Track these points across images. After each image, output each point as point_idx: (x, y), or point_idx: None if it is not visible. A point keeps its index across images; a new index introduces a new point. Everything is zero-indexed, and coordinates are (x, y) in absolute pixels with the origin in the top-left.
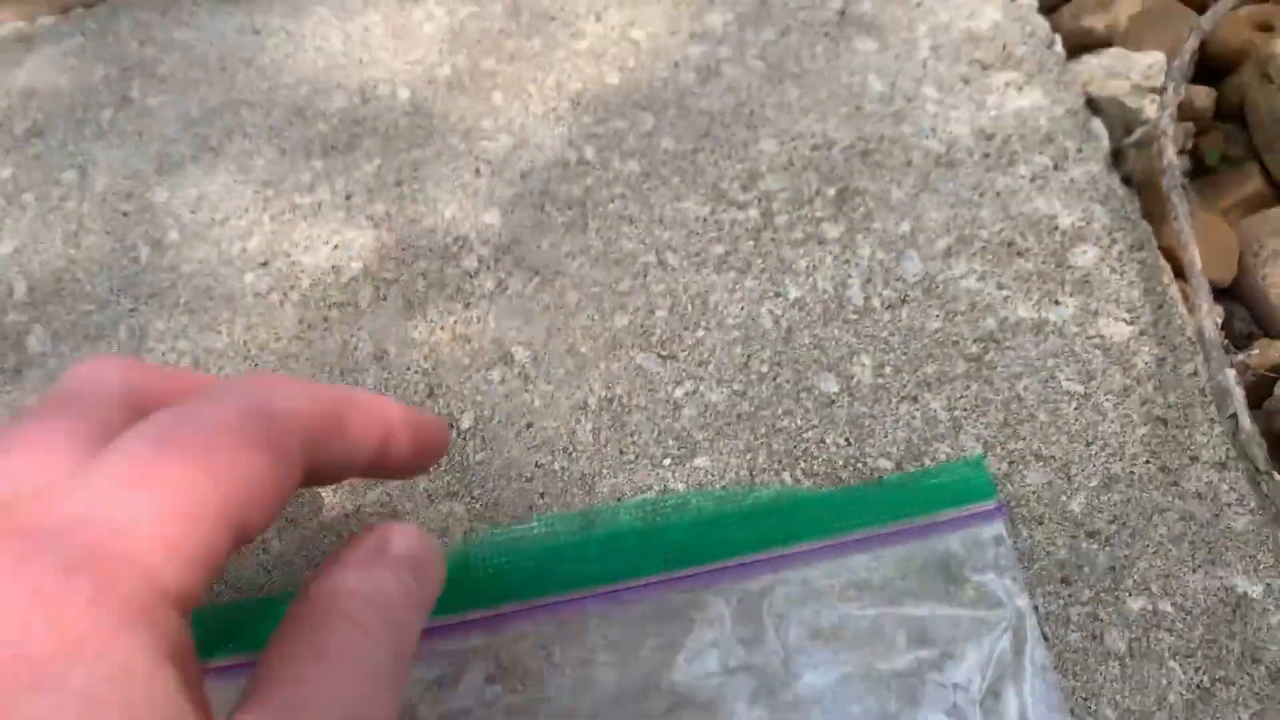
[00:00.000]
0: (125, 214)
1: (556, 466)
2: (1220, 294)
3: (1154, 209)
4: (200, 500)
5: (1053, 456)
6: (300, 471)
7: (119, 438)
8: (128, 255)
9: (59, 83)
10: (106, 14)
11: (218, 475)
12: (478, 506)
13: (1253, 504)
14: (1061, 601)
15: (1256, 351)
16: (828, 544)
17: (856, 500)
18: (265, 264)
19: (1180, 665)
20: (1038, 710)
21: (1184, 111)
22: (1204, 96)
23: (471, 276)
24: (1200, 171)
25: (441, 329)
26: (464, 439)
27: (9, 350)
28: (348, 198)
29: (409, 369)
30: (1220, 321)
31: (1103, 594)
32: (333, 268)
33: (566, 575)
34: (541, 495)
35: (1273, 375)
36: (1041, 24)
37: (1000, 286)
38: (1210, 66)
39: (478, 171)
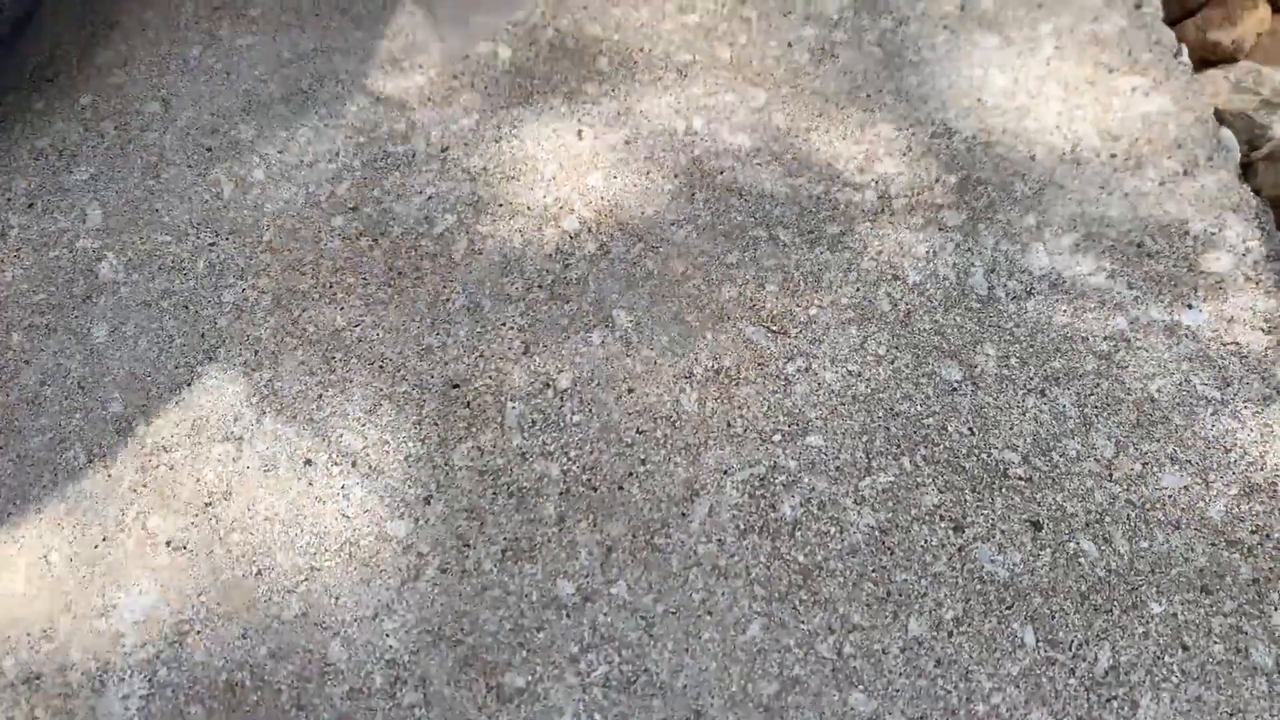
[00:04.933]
0: (209, 149)
1: (659, 434)
2: None
3: None
4: None
5: (1189, 461)
6: None
7: None
8: (210, 190)
9: (145, 16)
10: None
11: None
12: (575, 469)
13: None
14: (1202, 611)
15: None
16: None
17: None
18: (355, 209)
19: None
20: None
21: None
22: None
23: (572, 237)
24: None
25: (539, 287)
26: (561, 399)
27: (79, 276)
28: (444, 150)
29: (504, 324)
30: None
31: (1246, 606)
32: (425, 218)
33: None
34: (643, 461)
35: None
36: (1168, 34)
37: (1130, 286)
38: None
39: (580, 134)
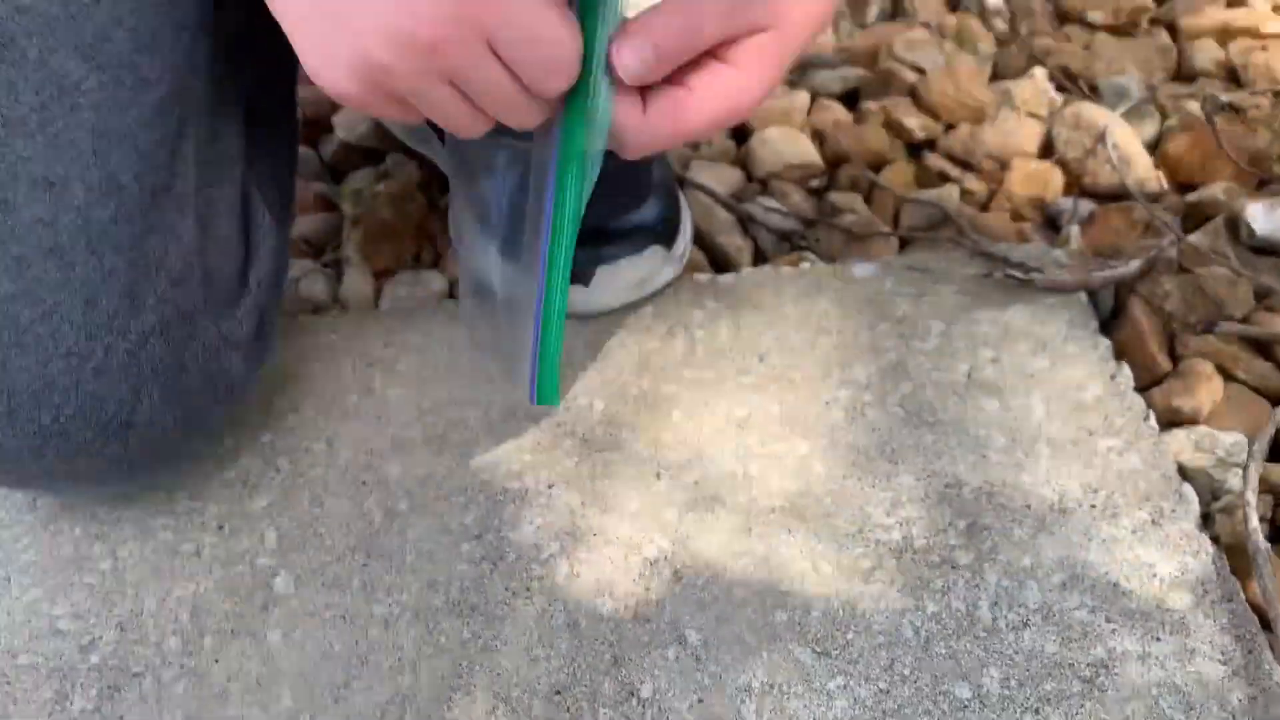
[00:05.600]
0: (364, 483)
1: None
2: None
3: (1241, 566)
4: None
5: None
6: None
7: None
8: (364, 518)
9: (312, 369)
10: (357, 317)
11: None
12: None
13: None
14: None
15: None
16: None
17: None
18: (479, 536)
19: None
20: None
21: (1264, 485)
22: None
23: (652, 564)
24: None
25: (626, 608)
26: (643, 707)
27: (258, 589)
28: (550, 486)
29: (598, 640)
30: None
31: None
32: (535, 545)
33: None
34: None
35: None
36: (1138, 400)
37: (1108, 620)
38: None
39: (658, 475)
